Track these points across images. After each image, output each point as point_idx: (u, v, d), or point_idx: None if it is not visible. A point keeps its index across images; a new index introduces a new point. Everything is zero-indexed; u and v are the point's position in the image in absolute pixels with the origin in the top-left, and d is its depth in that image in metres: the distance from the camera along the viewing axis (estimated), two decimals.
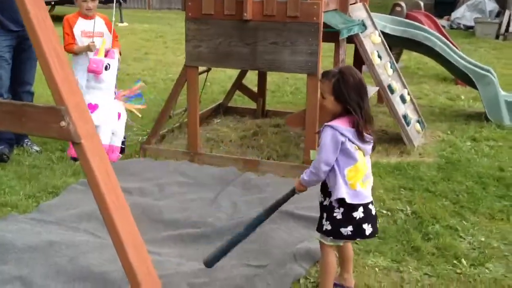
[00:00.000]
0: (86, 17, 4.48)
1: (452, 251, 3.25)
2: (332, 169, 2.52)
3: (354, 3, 5.16)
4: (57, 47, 1.69)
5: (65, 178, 4.25)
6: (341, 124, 2.49)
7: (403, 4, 8.12)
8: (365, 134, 2.49)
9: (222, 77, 7.98)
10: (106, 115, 3.32)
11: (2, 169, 4.40)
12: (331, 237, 2.62)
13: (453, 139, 5.22)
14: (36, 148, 4.89)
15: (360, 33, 4.82)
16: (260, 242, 3.33)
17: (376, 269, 3.08)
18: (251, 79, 6.87)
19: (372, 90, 4.80)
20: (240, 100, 6.59)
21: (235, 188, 4.11)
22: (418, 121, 5.27)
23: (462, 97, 6.93)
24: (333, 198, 2.53)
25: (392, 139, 5.15)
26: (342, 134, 2.47)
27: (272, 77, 7.99)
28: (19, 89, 4.69)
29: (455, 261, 3.15)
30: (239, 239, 2.87)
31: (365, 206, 2.58)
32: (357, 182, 2.54)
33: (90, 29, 4.44)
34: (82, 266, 3.01)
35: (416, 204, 3.84)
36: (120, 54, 4.52)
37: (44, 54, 1.66)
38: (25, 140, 4.94)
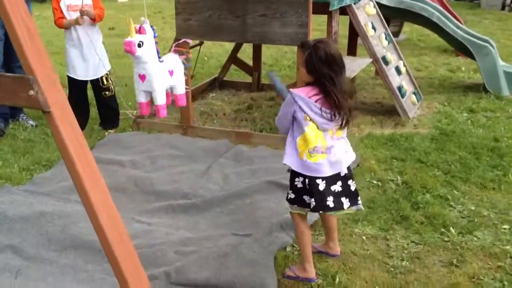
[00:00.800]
0: None
1: (441, 219, 3.25)
2: (291, 134, 2.55)
3: None
4: (26, 19, 1.67)
5: (58, 151, 4.27)
6: (302, 92, 2.48)
7: None
8: (324, 109, 2.44)
9: (220, 51, 7.94)
10: (155, 80, 3.62)
11: None
12: (295, 205, 2.65)
13: (450, 110, 5.19)
14: (31, 122, 4.91)
15: (353, 4, 4.76)
16: (248, 213, 3.36)
17: (363, 237, 3.10)
18: (248, 53, 6.83)
19: (365, 62, 4.76)
20: (236, 74, 6.57)
21: (226, 160, 4.12)
22: (414, 93, 5.24)
23: (463, 68, 6.87)
24: (289, 165, 2.56)
25: (387, 111, 5.13)
26: (295, 101, 2.46)
27: (270, 51, 7.94)
28: (12, 64, 4.69)
29: (443, 230, 3.16)
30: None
31: (311, 179, 2.53)
32: (304, 152, 2.52)
33: (76, 2, 4.40)
34: (73, 235, 3.06)
35: (407, 175, 3.83)
36: (95, 20, 4.45)
37: (13, 26, 1.64)
38: (21, 115, 4.97)
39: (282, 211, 3.31)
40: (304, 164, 2.53)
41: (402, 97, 4.88)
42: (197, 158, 4.19)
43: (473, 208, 3.41)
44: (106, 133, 4.68)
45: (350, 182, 2.63)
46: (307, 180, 2.54)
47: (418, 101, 5.22)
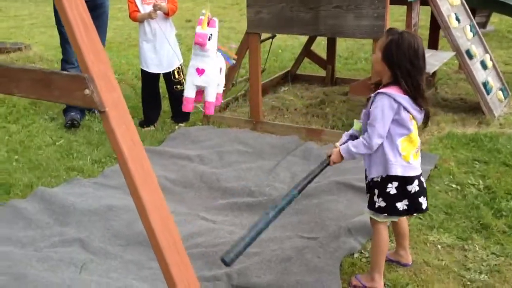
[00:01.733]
0: None
1: None
2: (385, 141, 2.36)
3: None
4: (83, 14, 1.63)
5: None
6: (395, 91, 2.30)
7: None
8: (414, 102, 2.31)
9: (296, 43, 7.79)
10: (211, 76, 3.62)
11: (73, 134, 4.56)
12: (385, 214, 2.46)
13: None
14: None
15: None
16: (315, 214, 3.23)
17: (439, 246, 2.89)
18: (324, 45, 6.65)
19: (447, 56, 4.46)
20: (310, 68, 6.41)
21: (294, 157, 4.00)
22: (501, 89, 4.86)
23: None
24: (386, 173, 2.37)
25: (471, 108, 4.80)
26: (396, 101, 2.29)
27: (346, 43, 7.70)
28: None
29: None
30: (266, 225, 2.34)
31: (419, 178, 2.41)
32: (411, 154, 2.37)
33: None
34: (138, 230, 3.05)
35: (490, 179, 3.55)
36: (168, 14, 4.45)
37: (70, 21, 1.60)
38: None
39: (351, 213, 3.16)
40: (411, 166, 2.37)
41: (488, 93, 4.54)
42: (265, 154, 4.11)
43: None
44: (177, 127, 4.69)
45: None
46: (415, 182, 2.38)
47: (505, 98, 4.85)
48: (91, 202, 3.34)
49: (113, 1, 10.12)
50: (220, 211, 3.39)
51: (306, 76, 6.04)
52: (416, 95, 2.29)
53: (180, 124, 4.74)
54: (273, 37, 5.10)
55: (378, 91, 2.35)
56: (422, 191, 2.43)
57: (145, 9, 4.45)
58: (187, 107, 4.05)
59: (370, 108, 2.37)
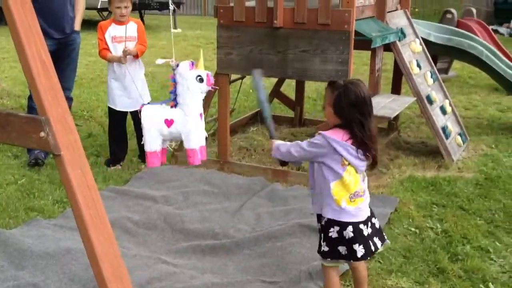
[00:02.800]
0: (119, 23, 4.51)
1: (480, 274, 3.06)
2: (323, 181, 2.45)
3: (393, 10, 4.99)
4: (43, 53, 1.65)
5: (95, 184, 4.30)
6: (335, 135, 2.40)
7: (454, 11, 7.81)
8: (359, 150, 2.39)
9: (266, 84, 7.90)
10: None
11: (36, 173, 4.51)
12: (329, 258, 2.52)
13: (497, 153, 4.94)
14: None
15: (398, 41, 4.64)
16: (278, 257, 3.25)
17: None
18: (294, 86, 6.78)
19: (407, 101, 4.61)
20: (280, 108, 6.51)
21: (260, 199, 4.04)
22: (459, 134, 5.03)
23: None
24: (324, 216, 2.47)
25: (431, 151, 4.94)
26: (329, 144, 2.39)
27: (315, 85, 7.85)
28: None
29: (482, 286, 2.96)
30: None
31: (355, 225, 2.44)
32: (343, 199, 2.43)
33: (121, 33, 4.46)
34: None
35: (447, 222, 3.64)
36: (137, 56, 4.50)
37: (27, 60, 1.62)
38: None
39: (312, 256, 3.19)
40: (343, 211, 2.42)
41: (447, 138, 4.69)
42: (231, 195, 4.13)
43: None
44: (143, 166, 4.69)
45: (373, 219, 2.54)
46: (348, 228, 2.42)
47: (463, 143, 5.01)
48: (49, 245, 3.28)
49: (90, 36, 10.19)
50: (182, 254, 3.38)
51: (275, 116, 6.10)
52: (366, 142, 2.37)
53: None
54: (242, 78, 5.19)
55: (319, 131, 2.46)
56: (358, 239, 2.44)
57: (115, 47, 4.49)
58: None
59: None
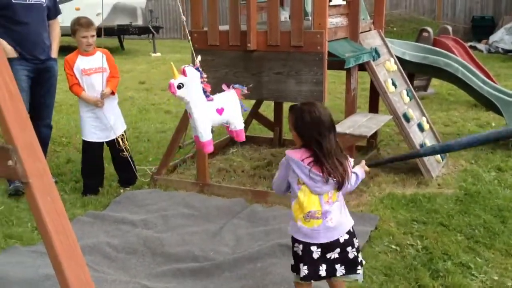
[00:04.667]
0: (86, 53, 4.40)
1: None
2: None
3: (367, 31, 5.06)
4: (8, 81, 1.64)
5: (74, 209, 4.26)
6: (295, 155, 2.46)
7: (430, 29, 7.95)
8: (313, 171, 2.40)
9: (246, 105, 7.93)
10: (196, 120, 3.51)
11: (15, 200, 4.45)
12: (295, 274, 2.57)
13: (476, 169, 4.98)
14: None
15: (372, 61, 4.70)
16: (258, 278, 3.24)
17: None
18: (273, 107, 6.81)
19: (384, 119, 4.65)
20: (259, 129, 6.53)
21: (240, 220, 4.02)
22: None
23: (493, 124, 6.65)
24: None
25: (411, 169, 4.96)
26: (288, 163, 2.47)
27: None
28: (38, 122, 4.71)
29: None
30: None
31: (306, 245, 2.47)
32: (298, 218, 2.49)
33: (90, 65, 4.39)
34: None
35: (428, 239, 3.65)
36: (114, 93, 4.49)
37: None
38: None
39: (292, 276, 3.17)
40: (300, 230, 2.48)
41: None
42: (211, 217, 4.11)
43: (496, 278, 3.19)
44: (122, 190, 4.65)
45: (349, 249, 2.52)
46: (300, 246, 2.48)
47: (442, 159, 5.05)
48: (29, 272, 3.24)
49: None
50: (162, 278, 3.34)
51: (255, 137, 6.14)
52: (323, 161, 2.39)
53: (126, 188, 4.70)
54: None
55: (286, 151, 2.53)
56: (305, 259, 2.47)
57: (86, 80, 4.39)
58: (196, 145, 3.94)
59: None
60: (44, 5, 4.66)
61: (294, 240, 2.54)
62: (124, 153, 4.56)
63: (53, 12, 4.78)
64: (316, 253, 2.45)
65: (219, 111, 3.74)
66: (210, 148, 3.67)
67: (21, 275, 3.20)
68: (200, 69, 3.77)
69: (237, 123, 3.67)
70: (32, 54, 4.57)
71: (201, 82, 3.67)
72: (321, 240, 2.46)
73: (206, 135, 3.66)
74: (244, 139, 3.73)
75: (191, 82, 3.76)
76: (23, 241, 3.74)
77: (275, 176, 2.60)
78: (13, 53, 4.45)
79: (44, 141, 4.67)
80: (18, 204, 4.39)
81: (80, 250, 1.71)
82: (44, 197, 1.66)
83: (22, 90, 4.60)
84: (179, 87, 3.65)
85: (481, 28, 14.51)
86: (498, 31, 13.89)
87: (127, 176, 4.76)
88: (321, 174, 2.40)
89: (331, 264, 2.48)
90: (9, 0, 4.44)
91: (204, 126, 3.60)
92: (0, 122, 1.64)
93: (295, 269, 2.55)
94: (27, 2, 4.53)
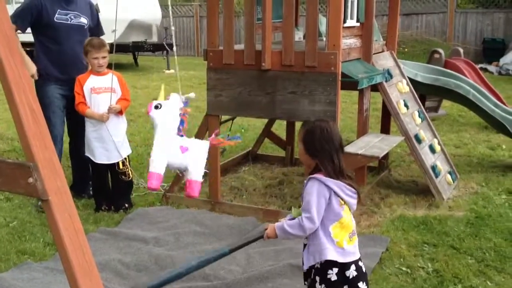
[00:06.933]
0: (98, 74, 4.45)
1: None
2: (319, 227, 2.44)
3: (380, 52, 5.11)
4: (31, 99, 1.69)
5: (87, 225, 4.29)
6: (326, 177, 2.44)
7: (441, 51, 7.98)
8: (351, 189, 2.45)
9: (258, 123, 7.98)
10: (154, 146, 3.44)
11: (28, 215, 4.50)
12: None
13: (487, 191, 4.97)
14: None
15: (384, 82, 4.73)
16: None
17: None
18: (285, 126, 6.84)
19: (396, 141, 4.66)
20: (271, 148, 6.56)
21: None
22: (449, 172, 5.07)
23: (504, 146, 6.64)
24: (324, 258, 2.43)
25: (422, 190, 4.96)
26: (327, 187, 2.41)
27: None
28: (76, 140, 4.80)
29: None
30: (187, 272, 2.98)
31: (356, 263, 2.47)
32: (344, 240, 2.45)
33: (100, 85, 4.43)
34: None
35: (438, 262, 3.64)
36: (121, 113, 4.50)
37: (16, 106, 1.65)
38: None
39: None
40: (345, 252, 2.43)
41: (436, 177, 4.72)
42: (222, 236, 4.13)
43: None
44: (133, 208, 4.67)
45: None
46: (352, 267, 2.42)
47: (454, 181, 5.04)
48: None
49: None
50: None
51: (267, 156, 6.18)
52: (339, 177, 2.41)
53: (120, 211, 4.62)
54: (233, 119, 5.25)
55: (310, 176, 2.48)
56: (361, 276, 2.47)
57: (94, 98, 4.42)
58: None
59: (303, 193, 2.48)
60: (85, 27, 4.72)
61: (330, 266, 2.42)
62: (124, 177, 4.56)
63: (95, 33, 4.81)
64: (352, 272, 2.43)
65: (182, 149, 3.49)
66: (155, 183, 3.34)
67: None
68: (188, 102, 3.73)
69: (196, 173, 3.41)
70: (68, 74, 4.60)
71: (181, 114, 3.60)
72: (359, 254, 2.49)
73: (157, 166, 3.38)
74: (197, 195, 3.41)
75: (169, 107, 3.71)
76: (35, 257, 3.77)
77: (313, 212, 2.38)
78: (32, 71, 4.49)
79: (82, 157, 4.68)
80: (30, 219, 4.43)
81: (96, 267, 1.74)
82: (63, 214, 1.69)
83: (57, 109, 4.65)
84: (156, 107, 3.63)
85: (492, 50, 14.50)
86: (509, 53, 13.89)
87: (119, 201, 4.68)
88: (355, 190, 2.44)
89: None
90: (50, 19, 4.51)
91: (158, 156, 3.39)
92: (21, 139, 1.69)
93: None
94: (68, 22, 4.59)
